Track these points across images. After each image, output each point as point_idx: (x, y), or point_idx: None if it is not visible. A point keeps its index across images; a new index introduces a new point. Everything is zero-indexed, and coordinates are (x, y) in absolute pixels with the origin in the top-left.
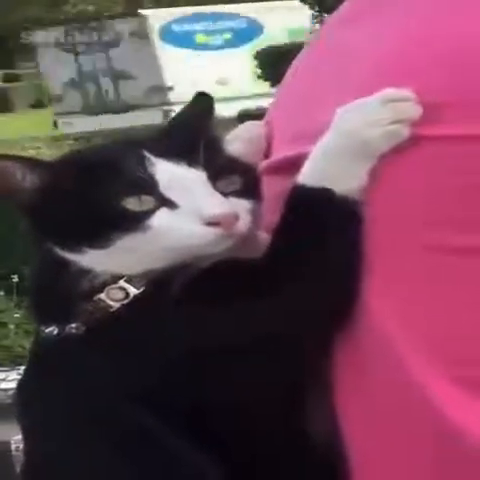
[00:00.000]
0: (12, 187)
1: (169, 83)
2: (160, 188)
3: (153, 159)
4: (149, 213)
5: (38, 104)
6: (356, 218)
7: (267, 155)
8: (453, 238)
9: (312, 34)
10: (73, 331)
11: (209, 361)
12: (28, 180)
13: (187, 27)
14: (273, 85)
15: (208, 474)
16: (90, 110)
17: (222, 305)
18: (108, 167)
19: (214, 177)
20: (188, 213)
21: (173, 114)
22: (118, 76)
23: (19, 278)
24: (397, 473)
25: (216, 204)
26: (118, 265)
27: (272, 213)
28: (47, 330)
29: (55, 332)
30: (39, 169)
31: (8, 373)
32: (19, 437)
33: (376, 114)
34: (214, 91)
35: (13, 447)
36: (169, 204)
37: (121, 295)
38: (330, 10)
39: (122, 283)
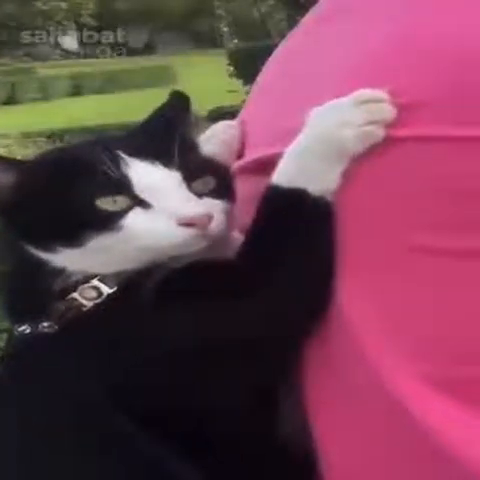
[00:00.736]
0: None
1: None
2: (134, 188)
3: (127, 159)
4: (122, 213)
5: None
6: (329, 219)
7: (240, 155)
8: (430, 239)
9: None
10: (45, 330)
11: (181, 363)
12: (2, 179)
13: None
14: (245, 83)
15: None
16: None
17: (194, 307)
18: (82, 167)
19: (189, 178)
20: (162, 213)
21: None
22: None
23: None
24: (366, 471)
25: (190, 205)
26: (91, 264)
27: (246, 213)
28: (20, 329)
29: (27, 331)
30: (13, 168)
31: None
32: None
33: (350, 115)
34: None
35: None
36: (143, 204)
37: (94, 294)
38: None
39: (95, 282)
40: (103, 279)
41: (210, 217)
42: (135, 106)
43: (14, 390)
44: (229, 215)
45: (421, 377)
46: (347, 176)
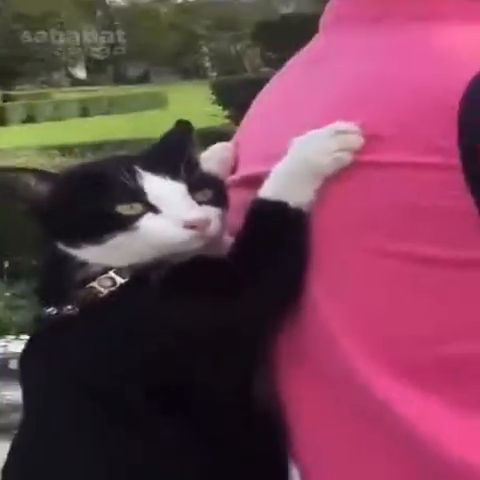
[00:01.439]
0: (26, 194)
1: None
2: (147, 197)
3: (143, 173)
4: (137, 217)
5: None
6: (305, 227)
7: (233, 172)
8: (386, 245)
9: None
10: (68, 312)
11: (180, 341)
12: (39, 188)
13: None
14: (224, 109)
15: (192, 449)
16: None
17: (192, 295)
18: (106, 179)
19: (192, 189)
20: (170, 217)
21: None
22: None
23: (10, 264)
24: (332, 445)
25: (193, 211)
26: (109, 259)
27: (236, 219)
28: (47, 310)
29: (54, 312)
30: (49, 179)
31: None
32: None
33: (326, 144)
34: None
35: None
36: (154, 210)
37: (109, 283)
38: None
39: (111, 274)
40: (118, 271)
41: (208, 221)
42: (133, 125)
43: (37, 362)
44: (223, 220)
45: (383, 364)
46: (320, 192)
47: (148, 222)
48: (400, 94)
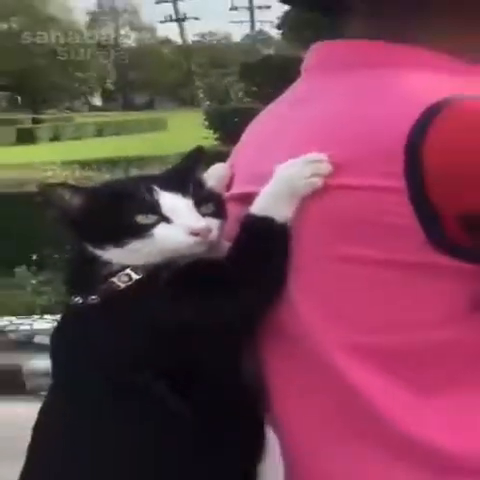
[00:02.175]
0: (61, 205)
1: None
2: (161, 209)
3: (158, 190)
4: (153, 225)
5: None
6: (288, 237)
7: (229, 189)
8: (350, 251)
9: None
10: (92, 301)
11: (184, 327)
12: (73, 201)
13: None
14: (214, 132)
15: (190, 419)
16: None
17: (195, 290)
18: (128, 194)
19: (197, 204)
20: (179, 226)
21: None
22: None
23: (37, 257)
24: (301, 415)
25: (198, 222)
26: (128, 259)
27: (232, 229)
28: (75, 300)
29: (80, 301)
30: (81, 193)
31: (24, 320)
32: (29, 362)
33: (302, 170)
34: None
35: (24, 370)
36: (167, 220)
37: (126, 279)
38: None
39: (128, 271)
40: (134, 269)
41: (210, 230)
42: (139, 145)
43: (64, 341)
44: (221, 229)
45: (348, 347)
46: (299, 209)
47: (161, 230)
48: (363, 130)
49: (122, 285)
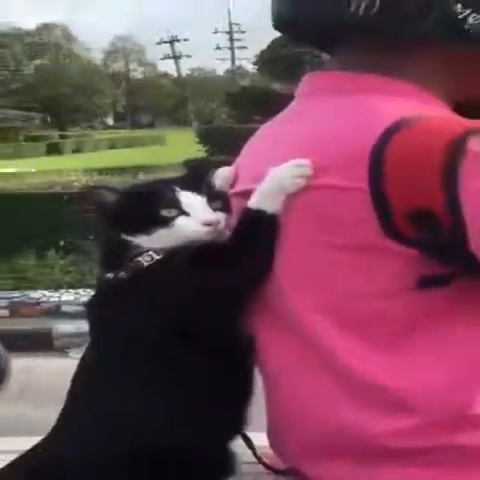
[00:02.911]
0: (102, 202)
1: None
2: (181, 205)
3: (178, 190)
4: (174, 218)
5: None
6: (277, 226)
7: (232, 187)
8: (324, 238)
9: None
10: (121, 276)
11: (197, 296)
12: (108, 197)
13: None
14: (204, 146)
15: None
16: None
17: (206, 266)
18: (154, 193)
19: (209, 201)
20: (195, 218)
21: None
22: None
23: (64, 243)
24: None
25: (210, 215)
26: (153, 244)
27: (234, 217)
28: (107, 275)
29: (111, 277)
30: (114, 192)
31: (53, 293)
32: (57, 326)
33: (290, 172)
34: None
35: (53, 333)
36: (185, 214)
37: (149, 259)
38: None
39: (151, 252)
40: (155, 251)
41: (219, 222)
42: (144, 156)
43: (97, 311)
44: (226, 220)
45: (321, 311)
46: (286, 203)
47: (181, 221)
48: (339, 143)
49: (146, 263)
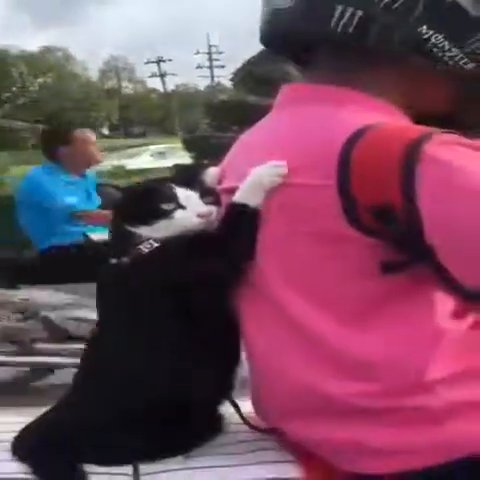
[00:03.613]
0: (109, 197)
1: None
2: (179, 200)
3: (176, 187)
4: (173, 211)
5: None
6: (257, 217)
7: (220, 183)
8: (300, 228)
9: None
10: (125, 261)
11: (188, 278)
12: (117, 195)
13: None
14: (189, 152)
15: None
16: None
17: (198, 250)
18: (155, 190)
19: (202, 196)
20: (190, 211)
21: None
22: None
23: None
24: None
25: (203, 208)
26: (153, 233)
27: (222, 211)
28: (112, 260)
29: (115, 261)
30: (120, 190)
31: None
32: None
33: (268, 172)
34: None
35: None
36: (182, 207)
37: (149, 246)
38: None
39: (151, 241)
40: (154, 240)
41: (211, 213)
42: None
43: (104, 290)
44: (216, 213)
45: (294, 287)
46: (266, 198)
47: (179, 214)
48: (312, 146)
49: (145, 250)
